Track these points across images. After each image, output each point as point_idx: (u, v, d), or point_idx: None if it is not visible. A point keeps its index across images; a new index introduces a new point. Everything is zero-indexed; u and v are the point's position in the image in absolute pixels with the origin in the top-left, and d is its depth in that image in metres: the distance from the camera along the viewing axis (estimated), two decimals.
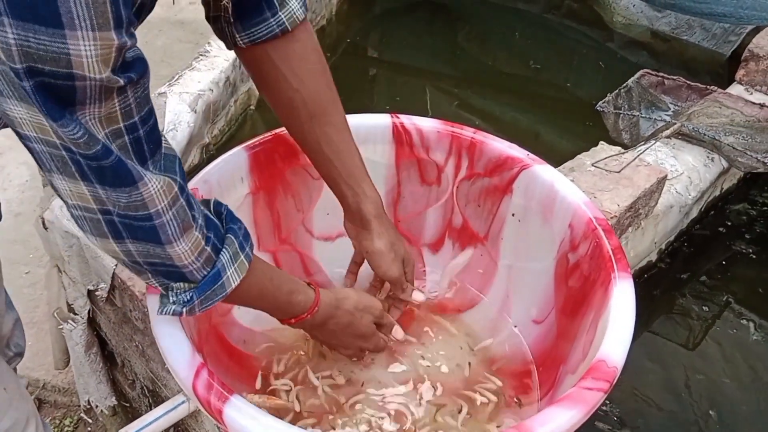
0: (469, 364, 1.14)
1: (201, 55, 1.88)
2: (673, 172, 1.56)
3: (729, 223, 1.87)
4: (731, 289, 1.72)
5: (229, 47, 0.99)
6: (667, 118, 1.73)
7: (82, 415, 1.63)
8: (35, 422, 1.05)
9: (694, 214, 1.79)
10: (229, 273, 0.80)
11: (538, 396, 1.10)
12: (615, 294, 0.94)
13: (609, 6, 2.62)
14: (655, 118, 1.75)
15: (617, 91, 1.79)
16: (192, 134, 1.68)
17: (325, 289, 0.97)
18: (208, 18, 0.96)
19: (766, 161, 1.60)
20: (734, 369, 1.56)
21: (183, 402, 1.05)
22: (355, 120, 1.07)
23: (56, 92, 0.57)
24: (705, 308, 1.68)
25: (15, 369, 1.17)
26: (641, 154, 1.48)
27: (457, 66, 2.60)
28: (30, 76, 0.56)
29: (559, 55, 2.60)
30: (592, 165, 1.41)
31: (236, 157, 1.12)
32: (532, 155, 1.15)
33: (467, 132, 1.18)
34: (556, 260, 1.11)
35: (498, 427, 1.05)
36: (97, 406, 1.51)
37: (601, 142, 1.50)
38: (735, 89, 1.90)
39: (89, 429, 1.62)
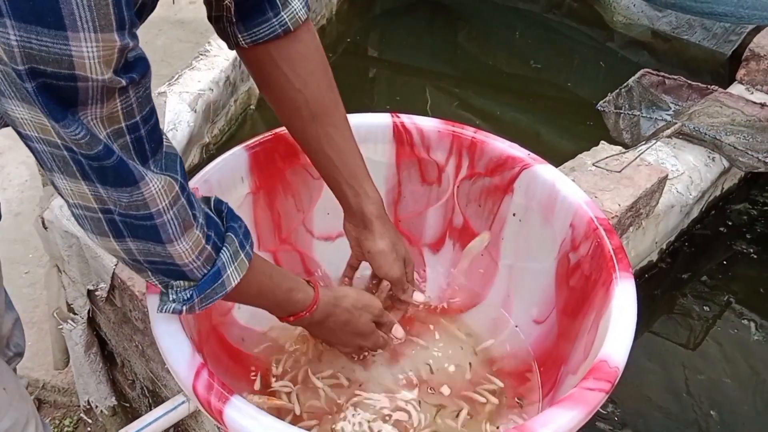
0: (470, 364, 1.14)
1: (201, 54, 1.87)
2: (674, 172, 1.56)
3: (730, 223, 1.87)
4: (732, 289, 1.72)
5: (231, 47, 0.99)
6: (668, 118, 1.73)
7: (81, 415, 1.63)
8: (35, 422, 1.05)
9: (695, 213, 1.79)
10: (229, 271, 0.80)
11: (539, 396, 1.10)
12: (616, 294, 0.94)
13: (609, 5, 2.62)
14: (655, 118, 1.75)
15: (618, 90, 1.79)
16: (192, 134, 1.68)
17: (324, 287, 0.97)
18: (210, 18, 0.96)
19: (767, 161, 1.60)
20: (735, 369, 1.56)
21: (183, 402, 1.06)
22: (355, 119, 1.07)
23: (58, 93, 0.57)
24: (706, 308, 1.68)
25: (15, 369, 1.17)
26: (642, 153, 1.48)
27: (458, 66, 2.60)
28: (32, 77, 0.56)
29: (560, 54, 2.60)
30: (593, 165, 1.41)
31: (236, 156, 1.12)
32: (533, 155, 1.15)
33: (468, 131, 1.18)
34: (557, 260, 1.11)
35: (498, 428, 1.05)
36: (96, 407, 1.51)
37: (602, 141, 1.50)
38: (736, 89, 1.90)
39: (89, 429, 1.61)
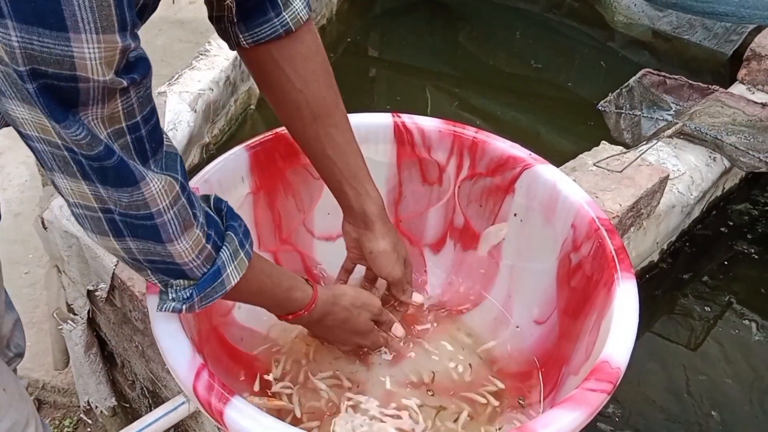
0: (471, 365, 1.14)
1: (201, 54, 1.87)
2: (675, 172, 1.56)
3: (731, 223, 1.87)
4: (733, 290, 1.72)
5: (232, 47, 0.98)
6: (669, 118, 1.73)
7: (81, 415, 1.62)
8: (35, 423, 1.04)
9: (696, 214, 1.78)
10: (228, 270, 0.80)
11: (540, 397, 1.10)
12: (618, 294, 0.93)
13: (610, 5, 2.62)
14: (656, 118, 1.74)
15: (619, 90, 1.79)
16: (192, 134, 1.68)
17: (322, 286, 0.98)
18: (210, 18, 0.96)
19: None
20: (736, 369, 1.56)
21: (183, 403, 1.05)
22: (356, 119, 1.07)
23: (59, 94, 0.57)
24: (707, 308, 1.68)
25: (15, 370, 1.17)
26: (643, 153, 1.48)
27: (458, 66, 2.60)
28: (33, 78, 0.56)
29: (561, 54, 2.60)
30: (594, 165, 1.41)
31: (237, 156, 1.12)
32: (534, 155, 1.15)
33: (469, 131, 1.18)
34: (558, 260, 1.11)
35: (499, 429, 1.05)
36: (96, 407, 1.51)
37: (603, 141, 1.50)
38: (737, 89, 1.90)
39: (89, 430, 1.61)
